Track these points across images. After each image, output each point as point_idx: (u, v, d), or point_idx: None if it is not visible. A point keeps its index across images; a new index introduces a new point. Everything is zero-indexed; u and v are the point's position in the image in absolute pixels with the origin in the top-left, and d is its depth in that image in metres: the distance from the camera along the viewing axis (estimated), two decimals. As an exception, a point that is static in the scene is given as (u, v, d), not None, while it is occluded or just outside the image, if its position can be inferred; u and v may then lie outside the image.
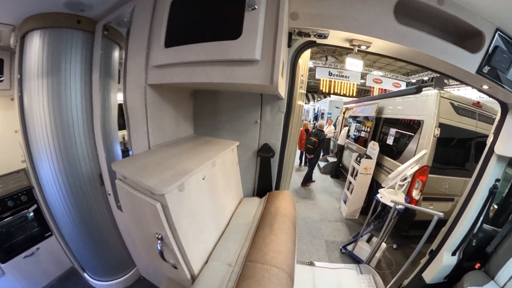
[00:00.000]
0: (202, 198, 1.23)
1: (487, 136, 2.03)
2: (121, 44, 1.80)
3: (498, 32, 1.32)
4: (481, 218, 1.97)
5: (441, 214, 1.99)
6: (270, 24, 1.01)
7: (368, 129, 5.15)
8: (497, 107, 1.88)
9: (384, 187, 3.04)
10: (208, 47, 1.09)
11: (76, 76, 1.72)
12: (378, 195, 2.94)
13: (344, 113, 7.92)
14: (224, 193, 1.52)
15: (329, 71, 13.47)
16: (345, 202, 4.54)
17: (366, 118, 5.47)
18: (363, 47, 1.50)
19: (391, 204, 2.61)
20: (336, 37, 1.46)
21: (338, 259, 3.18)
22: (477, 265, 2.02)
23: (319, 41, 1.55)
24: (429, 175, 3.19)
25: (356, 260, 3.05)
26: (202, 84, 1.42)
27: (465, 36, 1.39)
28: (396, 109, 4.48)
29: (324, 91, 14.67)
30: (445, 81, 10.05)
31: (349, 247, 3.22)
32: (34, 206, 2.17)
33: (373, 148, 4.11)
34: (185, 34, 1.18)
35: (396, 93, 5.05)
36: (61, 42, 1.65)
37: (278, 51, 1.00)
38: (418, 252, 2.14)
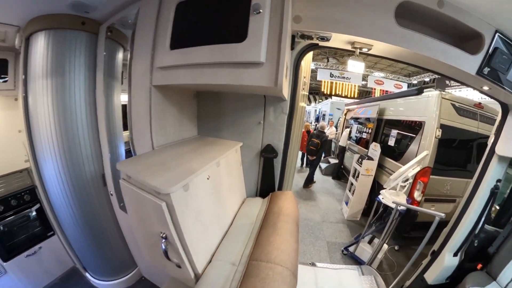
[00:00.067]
0: (206, 198, 1.24)
1: (488, 137, 2.04)
2: (124, 45, 1.82)
3: (498, 33, 1.34)
4: (483, 219, 1.98)
5: (443, 215, 1.99)
6: (274, 27, 1.02)
7: (370, 131, 5.15)
8: (498, 108, 1.89)
9: (385, 188, 3.04)
10: (214, 50, 1.10)
11: (80, 77, 1.74)
12: (380, 196, 2.94)
13: (345, 114, 7.92)
14: (228, 193, 1.53)
15: (331, 73, 13.54)
16: (346, 203, 4.53)
17: (368, 119, 5.47)
18: (364, 50, 1.52)
19: (393, 205, 2.61)
20: (338, 40, 1.48)
21: (339, 260, 3.17)
22: (479, 266, 2.02)
23: (321, 43, 1.57)
24: (431, 176, 3.19)
25: (357, 261, 3.05)
26: (207, 86, 1.43)
27: (465, 38, 1.40)
28: (398, 110, 4.47)
29: (325, 92, 14.71)
30: (447, 82, 10.06)
31: (351, 248, 3.21)
32: (37, 206, 2.18)
33: (375, 149, 4.11)
34: (190, 37, 1.20)
35: (397, 95, 5.04)
36: (66, 43, 1.67)
37: (282, 53, 1.01)
38: (420, 253, 2.14)
